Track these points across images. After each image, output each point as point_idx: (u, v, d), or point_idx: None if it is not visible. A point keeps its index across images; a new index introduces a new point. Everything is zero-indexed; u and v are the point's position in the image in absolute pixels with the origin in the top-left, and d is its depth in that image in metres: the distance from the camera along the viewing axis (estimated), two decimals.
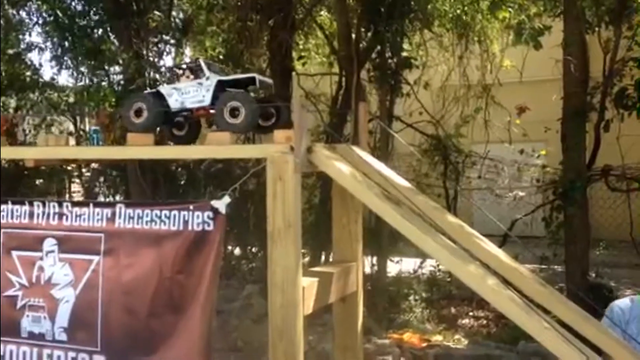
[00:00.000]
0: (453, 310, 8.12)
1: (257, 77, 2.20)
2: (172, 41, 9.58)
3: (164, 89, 2.30)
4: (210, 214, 2.11)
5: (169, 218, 2.16)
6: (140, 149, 2.14)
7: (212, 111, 2.20)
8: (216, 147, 2.08)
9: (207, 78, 2.18)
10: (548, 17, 7.56)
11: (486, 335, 7.18)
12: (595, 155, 6.93)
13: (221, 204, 2.10)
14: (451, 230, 2.06)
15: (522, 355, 5.91)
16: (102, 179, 10.10)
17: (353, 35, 7.87)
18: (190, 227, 2.13)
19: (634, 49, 6.27)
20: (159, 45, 8.64)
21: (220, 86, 2.16)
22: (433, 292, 8.40)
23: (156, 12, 7.45)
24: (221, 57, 9.17)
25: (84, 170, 10.79)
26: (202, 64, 2.23)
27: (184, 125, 2.34)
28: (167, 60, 9.53)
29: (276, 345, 2.00)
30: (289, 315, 1.99)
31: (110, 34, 8.45)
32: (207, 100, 2.18)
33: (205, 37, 9.68)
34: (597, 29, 6.75)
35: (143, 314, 2.21)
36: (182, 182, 9.35)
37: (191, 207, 2.13)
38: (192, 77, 2.26)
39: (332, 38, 8.74)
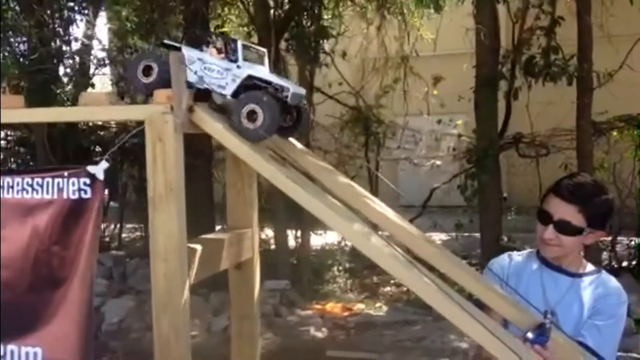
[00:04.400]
0: (375, 279, 8.29)
1: (292, 89, 1.89)
2: (83, 10, 9.09)
3: (188, 50, 1.95)
4: (87, 180, 1.97)
5: (41, 186, 2.00)
6: (8, 112, 1.96)
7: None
8: (92, 108, 1.92)
9: (239, 67, 1.90)
10: None
11: (406, 301, 7.36)
12: (507, 123, 7.16)
13: (98, 169, 1.95)
14: (340, 191, 2.02)
15: (436, 318, 6.10)
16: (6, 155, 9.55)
17: (271, 4, 7.73)
18: (65, 195, 1.98)
19: (541, 17, 6.46)
20: (67, 14, 8.17)
21: (249, 81, 1.89)
22: (356, 263, 8.53)
23: None
24: (133, 26, 8.79)
25: None
26: (239, 48, 1.91)
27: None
28: (77, 31, 9.06)
29: (160, 317, 1.90)
30: (173, 285, 1.89)
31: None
32: (229, 91, 1.91)
33: (120, 6, 9.22)
34: None
35: (19, 289, 2.06)
36: (95, 159, 8.96)
37: (66, 173, 1.98)
38: (222, 55, 1.95)
39: (250, 6, 8.54)
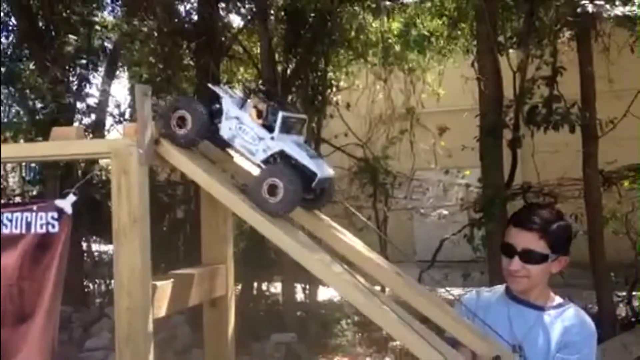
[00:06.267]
0: (385, 332, 8.07)
1: (320, 175, 1.81)
2: (100, 69, 9.42)
3: (229, 104, 1.90)
4: (55, 214, 1.98)
5: (10, 221, 2.01)
6: None
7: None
8: (59, 143, 1.95)
9: (273, 138, 1.83)
10: (466, 40, 7.84)
11: (414, 356, 7.12)
12: (514, 172, 7.09)
13: (66, 203, 1.97)
14: (308, 223, 2.00)
15: None
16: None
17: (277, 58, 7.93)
18: (33, 229, 1.99)
19: (542, 67, 6.51)
20: (81, 71, 8.46)
21: (281, 158, 1.83)
22: (365, 316, 8.32)
23: (71, 36, 7.26)
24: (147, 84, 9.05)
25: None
26: (279, 119, 1.82)
27: None
28: (93, 89, 9.34)
29: (122, 352, 1.86)
30: (136, 318, 1.86)
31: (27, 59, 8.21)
32: (258, 159, 1.86)
33: (142, 67, 9.52)
34: (510, 50, 7.01)
35: None
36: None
37: (34, 207, 2.00)
38: (260, 120, 1.87)
39: (258, 62, 8.76)
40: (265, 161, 1.86)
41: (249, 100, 1.93)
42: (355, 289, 1.65)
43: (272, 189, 1.78)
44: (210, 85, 2.05)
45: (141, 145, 1.86)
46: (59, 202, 1.98)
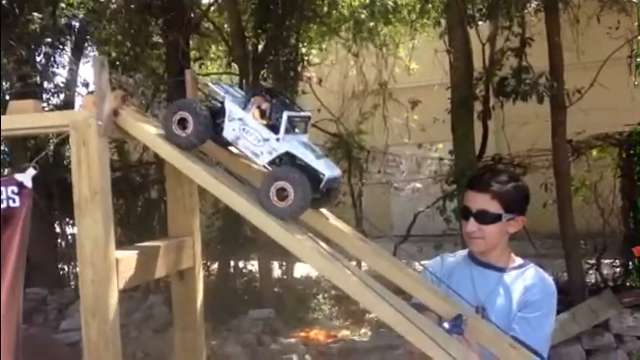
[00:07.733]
0: (361, 305, 8.16)
1: (327, 175, 1.77)
2: (67, 48, 9.23)
3: (231, 104, 1.84)
4: (15, 188, 1.96)
5: None
6: None
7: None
8: (16, 116, 1.92)
9: (278, 139, 1.78)
10: (436, 12, 7.84)
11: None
12: (485, 144, 7.17)
13: (26, 176, 1.95)
14: None
15: None
16: None
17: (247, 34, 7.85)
18: None
19: (511, 39, 6.56)
20: (47, 50, 8.27)
21: (287, 158, 1.79)
22: (341, 290, 8.40)
23: (35, 14, 7.07)
24: (117, 62, 8.90)
25: None
26: (284, 120, 1.76)
27: None
28: (60, 69, 9.15)
29: (89, 324, 1.86)
30: (100, 290, 1.86)
31: None
32: (262, 161, 1.81)
33: (110, 45, 9.32)
34: (479, 22, 7.04)
35: None
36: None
37: None
38: (264, 120, 1.82)
39: (229, 39, 8.67)
40: (271, 163, 1.82)
41: (251, 100, 1.87)
42: (317, 253, 1.67)
43: (281, 193, 1.73)
44: (210, 84, 2.00)
45: (100, 117, 1.85)
46: (19, 176, 1.96)
